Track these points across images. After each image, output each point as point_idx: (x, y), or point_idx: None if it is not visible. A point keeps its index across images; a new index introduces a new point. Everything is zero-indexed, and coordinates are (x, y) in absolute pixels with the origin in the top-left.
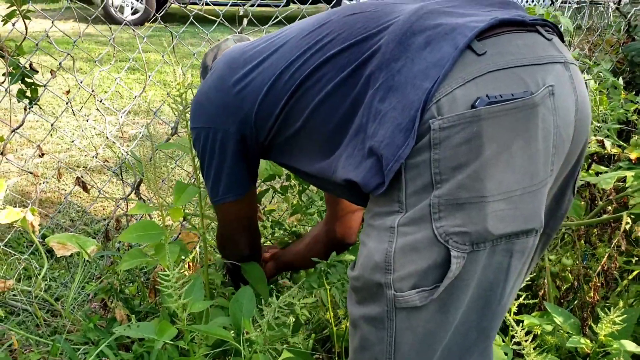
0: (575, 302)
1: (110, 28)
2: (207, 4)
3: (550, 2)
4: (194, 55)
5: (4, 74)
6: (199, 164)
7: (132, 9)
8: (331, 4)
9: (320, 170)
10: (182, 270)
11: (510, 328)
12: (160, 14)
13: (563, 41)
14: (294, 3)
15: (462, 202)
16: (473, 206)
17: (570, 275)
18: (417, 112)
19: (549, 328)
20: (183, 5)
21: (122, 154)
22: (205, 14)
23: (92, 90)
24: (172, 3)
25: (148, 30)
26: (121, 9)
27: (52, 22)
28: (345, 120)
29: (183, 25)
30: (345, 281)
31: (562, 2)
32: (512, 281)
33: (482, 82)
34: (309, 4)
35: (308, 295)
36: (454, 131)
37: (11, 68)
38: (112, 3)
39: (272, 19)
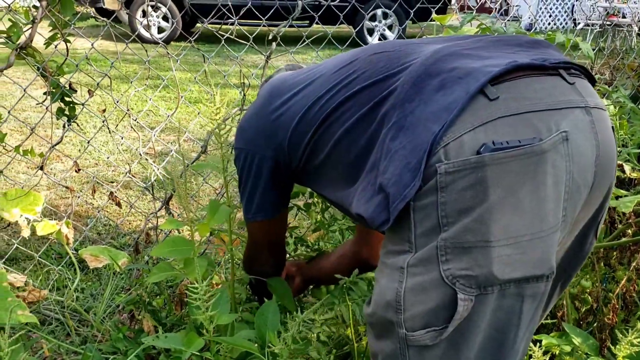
0: (595, 324)
1: (147, 51)
2: (233, 24)
3: (573, 24)
4: (224, 76)
5: (44, 93)
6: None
7: (157, 27)
8: (354, 26)
9: (340, 200)
10: (210, 284)
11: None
12: (194, 37)
13: (594, 83)
14: (317, 24)
15: (468, 246)
16: (479, 250)
17: (589, 298)
18: (424, 154)
19: (568, 349)
20: (215, 30)
21: (153, 170)
22: (233, 36)
23: (128, 109)
24: (204, 25)
25: (175, 49)
26: (147, 28)
27: (92, 45)
28: (362, 154)
29: (209, 44)
30: (366, 297)
31: (584, 25)
32: (526, 324)
33: (491, 128)
34: (332, 25)
35: (328, 311)
36: (459, 176)
37: (52, 87)
38: (141, 22)
39: (300, 42)
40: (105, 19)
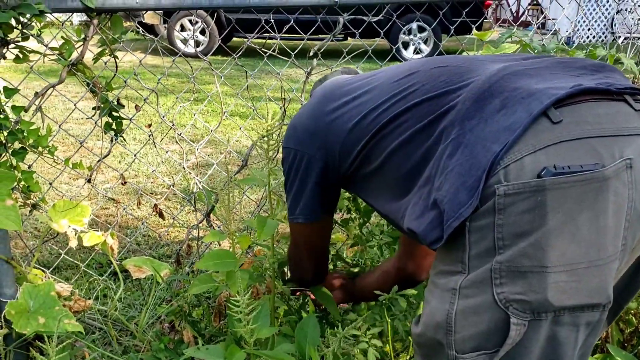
0: None
1: (191, 66)
2: (272, 38)
3: (613, 38)
4: (266, 91)
5: (93, 108)
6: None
7: (195, 41)
8: (388, 39)
9: (390, 212)
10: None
11: None
12: (238, 54)
13: None
14: (352, 37)
15: (524, 270)
16: (534, 275)
17: (634, 319)
18: (483, 174)
19: None
20: (257, 46)
21: (195, 183)
22: (274, 52)
23: (173, 124)
24: (248, 41)
25: (214, 64)
26: (185, 42)
27: (140, 62)
28: (417, 168)
29: (245, 57)
30: (407, 313)
31: (624, 39)
32: (577, 354)
33: (553, 151)
34: (367, 39)
35: (371, 327)
36: (518, 198)
37: (100, 102)
38: (178, 36)
39: (341, 57)
40: (147, 34)
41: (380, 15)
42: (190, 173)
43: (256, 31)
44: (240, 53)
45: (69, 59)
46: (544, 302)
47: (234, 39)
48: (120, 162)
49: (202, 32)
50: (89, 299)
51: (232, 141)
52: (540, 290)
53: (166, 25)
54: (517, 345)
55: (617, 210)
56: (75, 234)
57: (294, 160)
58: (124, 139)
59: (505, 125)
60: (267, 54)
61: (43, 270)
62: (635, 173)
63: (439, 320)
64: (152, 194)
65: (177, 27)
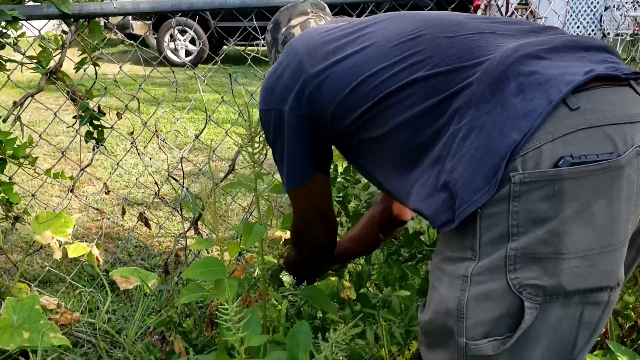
0: (639, 341)
1: (174, 73)
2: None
3: (602, 34)
4: (251, 95)
5: (74, 117)
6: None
7: (185, 50)
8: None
9: (392, 187)
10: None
11: None
12: (220, 57)
13: None
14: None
15: (539, 257)
16: (549, 261)
17: (632, 314)
18: (501, 162)
19: None
20: (241, 49)
21: (181, 190)
22: (260, 56)
23: (156, 130)
24: (229, 46)
25: (202, 71)
26: (175, 51)
27: (120, 68)
28: (425, 147)
29: (236, 65)
30: (393, 322)
31: (615, 35)
32: (586, 333)
33: (570, 140)
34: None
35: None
36: (534, 187)
37: (81, 111)
38: (168, 45)
39: None
40: (133, 42)
41: (364, 15)
42: (177, 180)
43: (236, 36)
44: (224, 59)
45: (47, 67)
46: (557, 286)
47: (225, 47)
48: (110, 173)
49: (193, 42)
50: (77, 311)
51: (224, 149)
52: (555, 275)
53: (155, 36)
54: (528, 329)
55: (628, 197)
56: (60, 246)
57: (277, 121)
58: (107, 149)
59: (524, 111)
60: (250, 56)
61: (28, 284)
62: None
63: (450, 307)
64: (141, 204)
65: (167, 37)
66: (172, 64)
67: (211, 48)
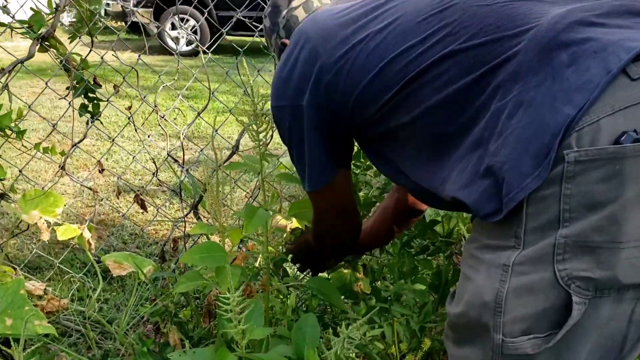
0: None
1: (179, 60)
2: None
3: None
4: (257, 71)
5: (67, 88)
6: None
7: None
8: None
9: (423, 178)
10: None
11: None
12: (211, 50)
13: None
14: None
15: (593, 246)
16: (605, 251)
17: None
18: (554, 140)
19: None
20: (249, 40)
21: (180, 173)
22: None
23: (155, 106)
24: (223, 37)
25: (203, 61)
26: (177, 40)
27: (113, 49)
28: (462, 130)
29: (236, 56)
30: (410, 317)
31: None
32: (637, 332)
33: (632, 113)
34: None
35: (370, 329)
36: (592, 166)
37: (75, 82)
38: (169, 35)
39: None
40: (141, 34)
41: None
42: (176, 161)
43: (227, 25)
44: (231, 50)
45: (39, 32)
46: (611, 279)
47: (227, 37)
48: (107, 159)
49: (195, 31)
50: (65, 298)
51: (226, 138)
52: (610, 266)
53: (158, 24)
54: (574, 327)
55: None
56: (49, 227)
57: (293, 118)
58: (102, 124)
59: (578, 83)
60: (243, 49)
61: (13, 267)
62: None
63: (487, 299)
64: (141, 187)
65: (168, 26)
66: (173, 52)
67: (213, 37)
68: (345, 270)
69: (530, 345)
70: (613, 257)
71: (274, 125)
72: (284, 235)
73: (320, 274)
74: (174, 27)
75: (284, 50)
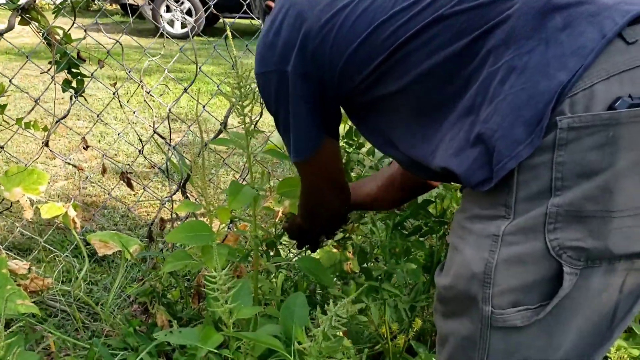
0: None
1: (177, 43)
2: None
3: None
4: (246, 46)
5: (49, 62)
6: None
7: (181, 23)
8: None
9: (413, 148)
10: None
11: None
12: (198, 30)
13: None
14: None
15: (585, 215)
16: (597, 220)
17: None
18: (547, 107)
19: (636, 353)
20: (246, 22)
21: (168, 151)
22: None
23: (141, 81)
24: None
25: (198, 44)
26: (171, 23)
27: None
28: (454, 96)
29: (234, 39)
30: (399, 298)
31: None
32: (627, 304)
33: (627, 78)
34: None
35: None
36: (585, 133)
37: (58, 56)
38: (163, 17)
39: None
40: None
41: None
42: (163, 138)
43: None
44: (220, 33)
45: (18, 3)
46: (603, 249)
47: (222, 20)
48: (99, 141)
49: (190, 14)
50: (50, 277)
51: (214, 122)
52: (601, 236)
53: (152, 7)
54: (565, 298)
55: None
56: (32, 205)
57: (279, 85)
58: (86, 100)
59: (573, 48)
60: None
61: None
62: None
63: (475, 270)
64: (130, 173)
65: (163, 8)
66: (168, 35)
67: (208, 21)
68: (335, 250)
69: (520, 317)
70: (605, 227)
71: (263, 101)
72: (278, 215)
73: (310, 254)
74: (169, 10)
75: (269, 14)
